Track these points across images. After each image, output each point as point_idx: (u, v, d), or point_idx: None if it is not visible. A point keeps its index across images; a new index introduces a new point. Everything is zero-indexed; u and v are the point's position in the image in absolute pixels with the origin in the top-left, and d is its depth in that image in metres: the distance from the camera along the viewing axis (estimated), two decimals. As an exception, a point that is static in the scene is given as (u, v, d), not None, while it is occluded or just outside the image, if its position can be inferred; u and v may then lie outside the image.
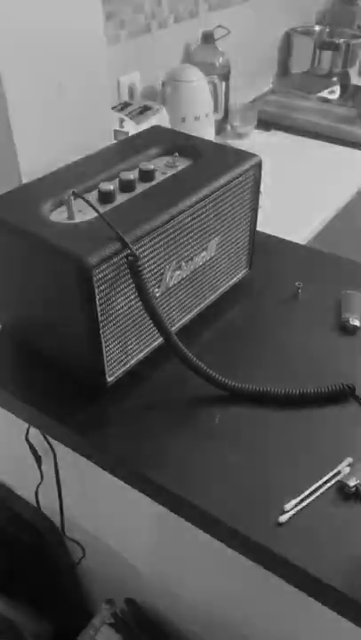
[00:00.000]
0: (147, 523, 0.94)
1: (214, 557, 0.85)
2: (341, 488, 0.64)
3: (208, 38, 1.78)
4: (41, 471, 1.03)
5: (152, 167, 0.78)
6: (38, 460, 1.01)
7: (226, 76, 1.81)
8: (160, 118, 1.50)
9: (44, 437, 0.94)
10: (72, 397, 0.75)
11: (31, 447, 0.99)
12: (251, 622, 0.91)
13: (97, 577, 1.24)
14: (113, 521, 1.03)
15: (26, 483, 1.13)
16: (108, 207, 0.72)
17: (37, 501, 1.13)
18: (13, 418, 0.82)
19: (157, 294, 0.75)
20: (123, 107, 1.53)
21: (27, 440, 0.98)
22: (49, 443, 0.94)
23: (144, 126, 1.42)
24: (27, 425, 0.95)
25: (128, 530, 1.01)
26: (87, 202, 0.67)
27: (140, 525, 0.96)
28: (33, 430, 0.95)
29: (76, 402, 0.75)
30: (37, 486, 1.08)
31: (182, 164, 0.82)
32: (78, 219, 0.71)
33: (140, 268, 0.66)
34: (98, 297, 0.66)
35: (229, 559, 0.79)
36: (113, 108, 1.50)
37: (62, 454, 0.95)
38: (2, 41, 0.70)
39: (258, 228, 0.90)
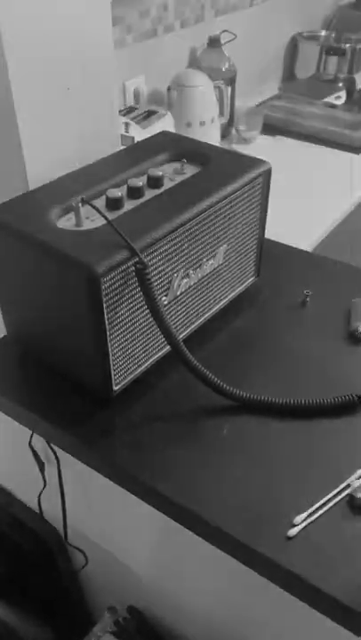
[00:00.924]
0: (150, 531, 0.93)
1: (217, 566, 0.84)
2: (351, 501, 0.63)
3: (214, 43, 1.78)
4: (44, 477, 1.03)
5: (160, 174, 0.77)
6: (41, 466, 1.01)
7: (232, 81, 1.81)
8: (165, 123, 1.50)
9: (48, 444, 0.93)
10: (78, 406, 0.74)
11: (34, 453, 0.98)
12: (253, 631, 0.91)
13: (99, 584, 1.23)
14: (116, 528, 1.02)
15: (28, 489, 1.12)
16: (116, 214, 0.72)
17: (40, 508, 1.12)
18: (17, 424, 0.81)
19: (165, 302, 0.74)
20: (128, 111, 1.53)
21: (30, 446, 0.97)
22: (52, 449, 0.94)
23: (149, 131, 1.42)
24: (30, 431, 0.94)
25: (131, 537, 1.00)
26: (96, 209, 0.66)
27: (143, 533, 0.95)
28: (36, 436, 0.95)
29: (82, 411, 0.74)
30: (40, 493, 1.07)
31: (191, 170, 0.81)
32: (86, 226, 0.70)
33: (148, 277, 0.66)
34: (105, 305, 0.65)
35: (232, 568, 0.79)
36: (119, 112, 1.49)
37: (66, 461, 0.94)
38: (11, 46, 0.69)
39: (265, 237, 0.89)
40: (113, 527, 1.03)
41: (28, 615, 1.31)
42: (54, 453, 0.94)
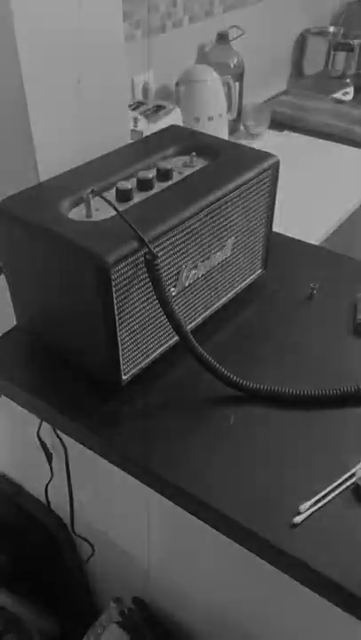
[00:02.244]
0: (156, 521, 0.94)
1: (223, 557, 0.85)
2: (357, 490, 0.64)
3: (223, 38, 1.78)
4: (51, 468, 1.03)
5: (170, 166, 0.78)
6: (49, 457, 1.02)
7: (240, 77, 1.81)
8: (174, 118, 1.51)
9: (56, 434, 0.94)
10: (87, 395, 0.75)
11: (42, 444, 0.99)
12: (260, 622, 0.91)
13: (105, 575, 1.24)
14: (123, 519, 1.03)
15: (36, 480, 1.13)
16: (126, 206, 0.73)
17: (47, 499, 1.13)
18: (25, 415, 0.82)
19: (174, 293, 0.75)
20: (137, 106, 1.53)
21: (38, 437, 0.98)
22: (60, 440, 0.95)
23: (158, 126, 1.42)
24: (38, 422, 0.95)
25: (137, 529, 1.01)
26: (106, 200, 0.67)
27: (149, 524, 0.96)
28: (44, 427, 0.96)
29: (91, 399, 0.75)
30: (47, 483, 1.08)
31: (200, 163, 0.82)
32: (96, 217, 0.71)
33: (157, 267, 0.66)
34: (115, 295, 0.66)
35: (237, 559, 0.80)
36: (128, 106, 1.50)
37: (73, 452, 0.95)
38: (23, 40, 0.70)
39: (273, 230, 0.90)
40: (120, 518, 1.03)
41: (35, 605, 1.33)
42: (62, 444, 0.95)
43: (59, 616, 1.35)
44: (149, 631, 1.13)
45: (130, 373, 0.75)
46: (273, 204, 0.86)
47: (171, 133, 0.90)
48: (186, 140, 0.86)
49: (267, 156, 0.82)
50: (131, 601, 1.16)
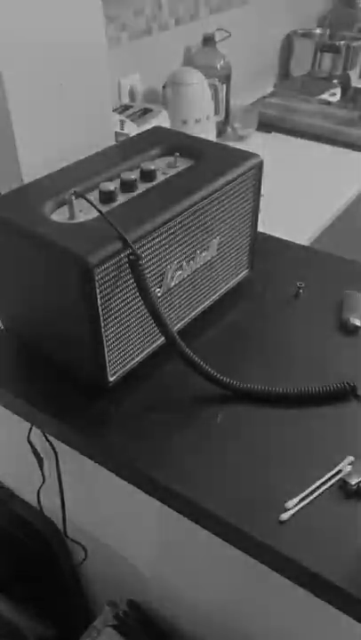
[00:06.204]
0: (149, 524, 0.94)
1: (217, 559, 0.85)
2: (343, 486, 0.64)
3: (209, 41, 1.79)
4: (43, 473, 1.03)
5: (153, 167, 0.78)
6: (40, 461, 1.02)
7: (227, 79, 1.82)
8: (161, 121, 1.51)
9: (46, 438, 0.94)
10: (74, 397, 0.75)
11: (33, 448, 0.99)
12: (253, 623, 0.91)
13: (99, 578, 1.24)
14: (115, 522, 1.03)
15: (28, 484, 1.13)
16: (110, 207, 0.73)
17: (39, 503, 1.13)
18: (15, 419, 0.82)
19: (159, 294, 0.75)
20: (124, 109, 1.54)
21: (28, 441, 0.98)
22: (51, 444, 0.95)
23: (145, 128, 1.42)
24: (28, 426, 0.95)
25: (130, 531, 1.01)
26: (89, 201, 0.67)
27: (142, 526, 0.96)
28: (34, 432, 0.95)
29: (79, 401, 0.75)
30: (39, 488, 1.08)
31: (183, 164, 0.82)
32: (79, 218, 0.71)
33: (141, 268, 0.67)
34: (99, 296, 0.66)
35: (232, 560, 0.79)
36: (114, 110, 1.50)
37: (64, 456, 0.95)
38: (4, 42, 0.70)
39: (259, 231, 0.90)
40: (112, 521, 1.03)
41: (29, 611, 1.32)
42: (53, 448, 0.95)
43: (54, 620, 1.34)
44: (145, 634, 1.13)
45: (117, 374, 0.75)
46: (257, 203, 0.86)
47: (154, 134, 0.90)
48: (170, 140, 0.87)
49: (250, 155, 0.82)
50: (125, 604, 1.16)
